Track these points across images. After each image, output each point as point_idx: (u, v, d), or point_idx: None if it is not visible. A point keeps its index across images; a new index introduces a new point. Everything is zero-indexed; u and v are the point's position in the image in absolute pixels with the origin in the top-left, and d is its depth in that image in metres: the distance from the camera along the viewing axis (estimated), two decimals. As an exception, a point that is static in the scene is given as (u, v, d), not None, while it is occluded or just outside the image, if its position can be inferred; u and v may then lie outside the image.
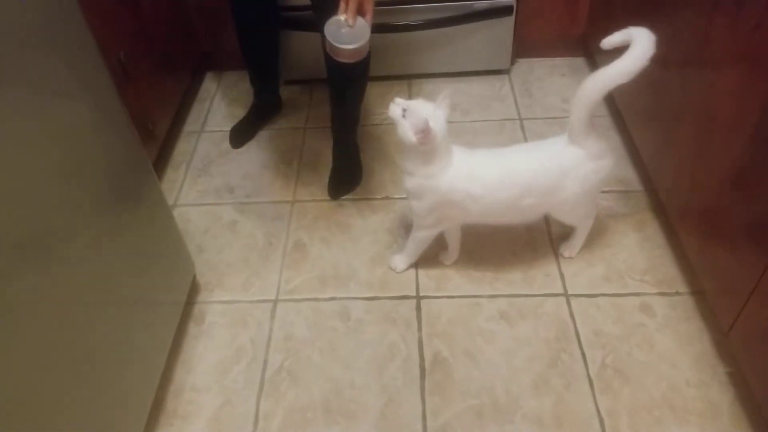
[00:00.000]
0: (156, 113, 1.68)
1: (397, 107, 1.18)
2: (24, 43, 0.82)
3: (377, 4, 1.24)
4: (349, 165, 1.70)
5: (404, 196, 1.62)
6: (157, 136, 1.68)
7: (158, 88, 1.72)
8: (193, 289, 1.44)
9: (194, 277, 1.43)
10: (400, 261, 1.44)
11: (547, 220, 1.51)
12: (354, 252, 1.50)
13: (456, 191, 1.21)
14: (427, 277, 1.42)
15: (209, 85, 2.10)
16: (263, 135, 1.88)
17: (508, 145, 1.29)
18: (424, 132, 1.13)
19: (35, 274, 0.82)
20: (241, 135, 1.85)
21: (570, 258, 1.42)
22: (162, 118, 1.73)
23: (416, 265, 1.44)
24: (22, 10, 0.81)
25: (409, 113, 1.16)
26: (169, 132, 1.84)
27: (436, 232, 1.35)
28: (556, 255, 1.44)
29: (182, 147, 1.87)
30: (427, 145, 1.16)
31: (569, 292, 1.36)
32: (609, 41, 1.12)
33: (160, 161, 1.79)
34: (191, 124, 1.95)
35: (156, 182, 1.24)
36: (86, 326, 0.95)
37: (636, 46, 1.08)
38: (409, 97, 1.95)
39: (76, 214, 0.93)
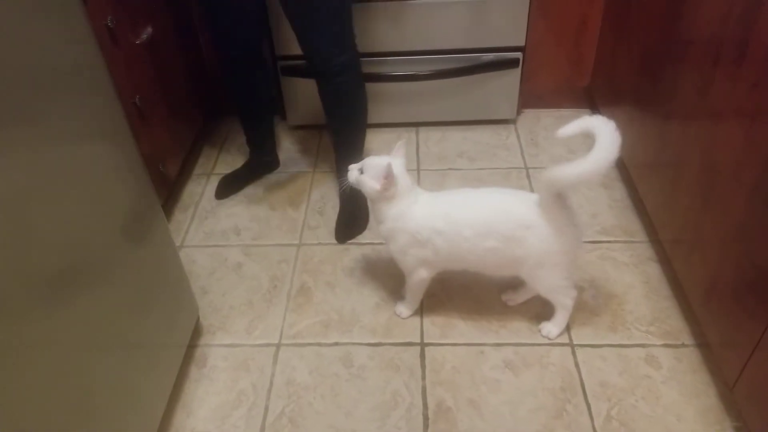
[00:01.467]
0: (168, 155, 1.71)
1: (353, 171, 1.28)
2: (46, 85, 0.85)
3: (385, 54, 1.30)
4: (355, 210, 1.72)
5: (410, 241, 1.63)
6: (167, 177, 1.71)
7: (171, 131, 1.76)
8: (196, 332, 1.43)
9: (198, 319, 1.43)
10: (404, 308, 1.44)
11: (552, 268, 1.51)
12: (359, 297, 1.50)
13: (422, 228, 1.26)
14: (432, 324, 1.42)
15: (221, 129, 2.14)
16: (272, 178, 1.91)
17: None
18: (387, 178, 1.21)
19: (40, 315, 0.83)
20: (227, 187, 1.87)
21: (547, 338, 1.37)
22: (173, 160, 1.76)
23: (421, 311, 1.44)
24: (46, 54, 0.85)
25: (367, 168, 1.26)
26: (180, 173, 1.87)
27: (425, 275, 1.35)
28: (561, 304, 1.43)
29: (191, 188, 1.90)
30: (390, 191, 1.24)
31: (574, 342, 1.35)
32: (565, 131, 1.13)
33: (170, 202, 1.81)
34: (201, 166, 1.99)
35: (164, 224, 1.25)
36: (87, 367, 0.94)
37: (600, 143, 1.08)
38: (417, 144, 1.98)
39: (83, 255, 0.94)
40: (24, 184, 0.80)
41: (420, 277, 1.35)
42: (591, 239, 1.59)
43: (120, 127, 1.07)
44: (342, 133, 1.69)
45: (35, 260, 0.82)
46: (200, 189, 1.89)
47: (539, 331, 1.38)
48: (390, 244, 1.32)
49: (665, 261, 1.49)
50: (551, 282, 1.28)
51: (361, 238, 1.67)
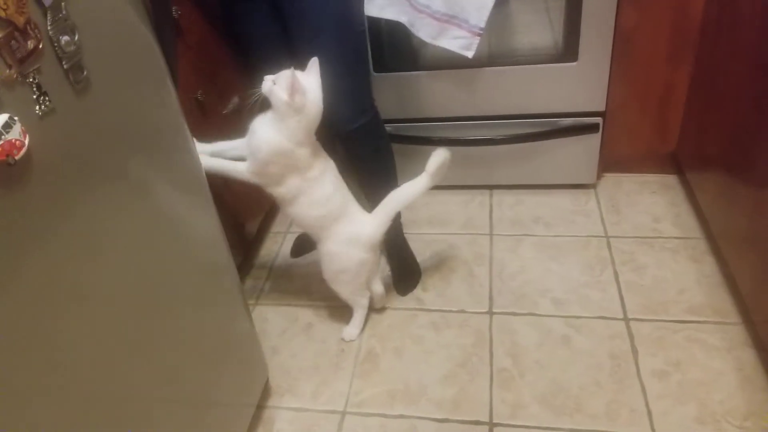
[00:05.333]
0: (247, 215, 1.78)
1: (268, 81, 1.30)
2: (136, 148, 0.91)
3: (461, 119, 1.33)
4: (404, 258, 1.72)
5: (482, 310, 1.59)
6: (246, 235, 1.77)
7: (252, 190, 1.82)
8: (266, 393, 1.45)
9: (267, 380, 1.44)
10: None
11: (635, 352, 1.42)
12: (426, 367, 1.47)
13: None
14: (503, 402, 1.36)
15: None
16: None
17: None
18: (294, 87, 1.25)
19: (117, 371, 0.87)
20: (302, 246, 1.90)
21: (350, 341, 1.55)
22: (253, 219, 1.83)
23: (490, 385, 1.39)
24: (138, 117, 0.91)
25: (278, 78, 1.29)
26: (258, 232, 1.93)
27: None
28: (644, 389, 1.34)
29: (269, 246, 1.95)
30: (297, 100, 1.27)
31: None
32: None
33: (248, 259, 1.87)
34: (278, 225, 2.04)
35: (238, 285, 1.29)
36: (155, 424, 0.97)
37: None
38: (491, 207, 1.95)
39: (156, 311, 0.97)
40: (108, 234, 0.84)
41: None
42: (677, 318, 1.49)
43: (200, 188, 1.12)
44: (374, 194, 1.65)
45: (111, 310, 0.86)
46: (277, 247, 1.94)
47: (342, 338, 1.56)
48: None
49: (761, 347, 1.37)
50: (333, 276, 1.52)
51: (430, 303, 1.65)
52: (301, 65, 1.35)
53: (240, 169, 1.39)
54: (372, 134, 1.57)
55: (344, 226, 1.45)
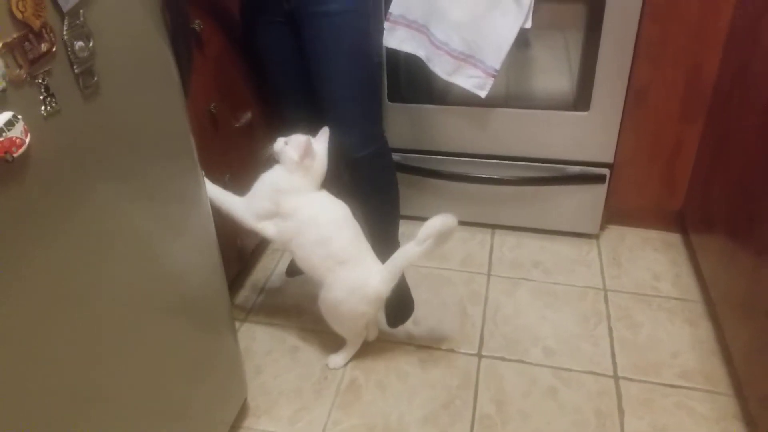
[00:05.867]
0: (248, 231, 1.77)
1: (280, 141, 1.42)
2: (139, 156, 0.91)
3: (469, 156, 1.32)
4: (400, 293, 1.71)
5: (471, 351, 1.57)
6: (244, 251, 1.76)
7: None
8: (243, 412, 1.43)
9: (245, 400, 1.42)
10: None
11: (621, 412, 1.40)
12: (408, 405, 1.45)
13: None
14: (481, 448, 1.33)
15: (302, 206, 2.21)
16: (342, 263, 1.92)
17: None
18: (306, 151, 1.36)
19: (96, 376, 0.86)
20: (298, 267, 1.89)
21: (334, 369, 1.54)
22: (251, 235, 1.82)
23: (471, 431, 1.36)
24: (143, 121, 0.91)
25: (291, 141, 1.40)
26: (256, 248, 1.92)
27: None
28: (627, 451, 1.31)
29: (264, 263, 1.94)
30: (306, 162, 1.38)
31: (637, 499, 1.22)
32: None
33: (242, 275, 1.86)
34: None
35: (227, 300, 1.28)
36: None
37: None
38: (491, 247, 1.94)
39: (142, 318, 0.97)
40: (103, 239, 0.85)
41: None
42: (668, 382, 1.47)
43: (199, 200, 1.11)
44: (375, 222, 1.67)
45: (98, 313, 0.86)
46: (273, 264, 1.93)
47: (327, 364, 1.55)
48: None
49: (752, 423, 1.34)
50: (329, 316, 1.50)
51: (420, 339, 1.63)
52: (316, 87, 1.44)
53: (236, 201, 1.45)
54: (379, 163, 1.57)
55: (351, 272, 1.42)
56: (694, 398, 1.42)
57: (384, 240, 1.70)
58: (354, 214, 1.48)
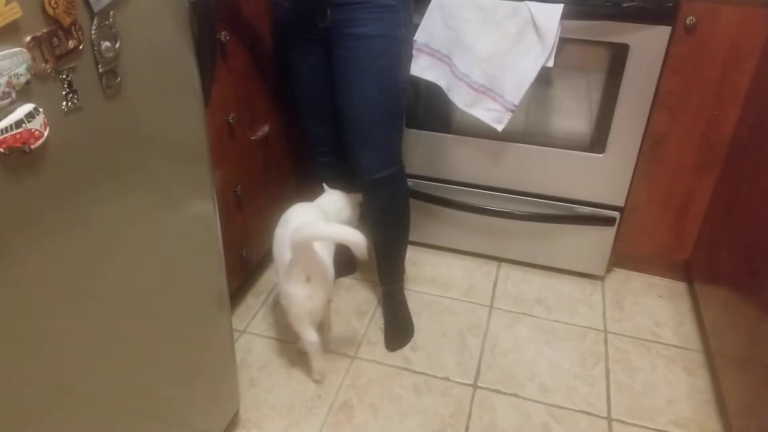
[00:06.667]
0: (254, 242, 1.79)
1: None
2: (155, 158, 0.93)
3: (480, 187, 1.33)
4: (399, 314, 1.72)
5: (466, 381, 1.56)
6: (248, 261, 1.77)
7: (264, 219, 1.84)
8: (233, 424, 1.42)
9: (237, 411, 1.42)
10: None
11: (612, 451, 1.38)
12: (399, 430, 1.44)
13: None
14: (467, 480, 1.32)
15: (311, 224, 2.22)
16: (344, 282, 1.93)
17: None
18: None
19: (92, 374, 0.87)
20: None
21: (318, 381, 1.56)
22: (258, 247, 1.83)
23: (459, 462, 1.35)
24: (160, 129, 0.93)
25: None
26: (262, 260, 1.94)
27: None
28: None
29: (269, 276, 1.95)
30: None
31: None
32: None
33: (245, 285, 1.88)
34: (284, 256, 2.05)
35: (227, 310, 1.29)
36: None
37: None
38: (496, 279, 1.94)
39: (143, 320, 0.98)
40: (111, 237, 0.86)
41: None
42: (661, 428, 1.45)
43: (209, 207, 1.13)
44: (384, 244, 1.69)
45: (98, 312, 0.87)
46: (277, 278, 1.94)
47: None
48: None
49: (744, 477, 1.32)
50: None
51: (416, 365, 1.62)
52: (341, 107, 1.49)
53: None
54: (394, 186, 1.59)
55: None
56: (685, 444, 1.40)
57: (391, 262, 1.71)
58: (366, 233, 1.50)
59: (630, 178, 1.77)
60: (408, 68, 1.55)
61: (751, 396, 1.28)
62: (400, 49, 1.48)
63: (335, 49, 1.45)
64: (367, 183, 1.57)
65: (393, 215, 1.65)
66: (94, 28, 0.72)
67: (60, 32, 0.67)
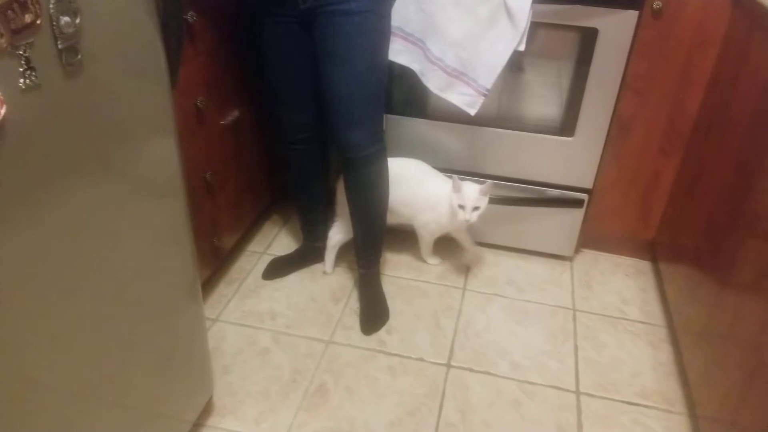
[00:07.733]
0: (226, 229, 1.78)
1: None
2: (118, 140, 0.91)
3: (452, 172, 1.33)
4: (376, 298, 1.74)
5: (440, 361, 1.58)
6: (220, 250, 1.76)
7: (235, 207, 1.83)
8: (207, 411, 1.42)
9: (211, 398, 1.42)
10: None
11: (580, 426, 1.41)
12: (375, 410, 1.45)
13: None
14: (442, 457, 1.34)
15: (287, 210, 2.20)
16: (319, 268, 1.93)
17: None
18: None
19: (62, 365, 0.85)
20: (275, 270, 1.90)
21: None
22: (230, 235, 1.83)
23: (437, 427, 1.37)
24: (126, 108, 0.92)
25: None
26: (234, 248, 1.93)
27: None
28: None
29: (241, 264, 1.95)
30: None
31: None
32: None
33: (217, 274, 1.87)
34: (257, 243, 2.04)
35: (198, 297, 1.27)
36: (90, 426, 0.95)
37: None
38: (468, 264, 1.96)
39: (110, 308, 0.97)
40: (72, 221, 0.84)
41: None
42: (626, 400, 1.49)
43: (176, 192, 1.11)
44: (363, 222, 1.69)
45: (64, 300, 0.85)
46: (250, 266, 1.94)
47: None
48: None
49: (705, 442, 1.36)
50: None
51: (391, 347, 1.63)
52: (324, 85, 1.46)
53: None
54: (378, 163, 1.59)
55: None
56: (649, 416, 1.45)
57: (370, 244, 1.72)
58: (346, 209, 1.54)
59: (598, 160, 1.80)
60: (388, 45, 1.54)
61: (711, 366, 1.32)
62: (385, 24, 1.48)
63: (321, 27, 1.41)
64: (354, 161, 1.55)
65: (374, 194, 1.65)
66: (52, 2, 0.71)
67: (15, 5, 0.66)
